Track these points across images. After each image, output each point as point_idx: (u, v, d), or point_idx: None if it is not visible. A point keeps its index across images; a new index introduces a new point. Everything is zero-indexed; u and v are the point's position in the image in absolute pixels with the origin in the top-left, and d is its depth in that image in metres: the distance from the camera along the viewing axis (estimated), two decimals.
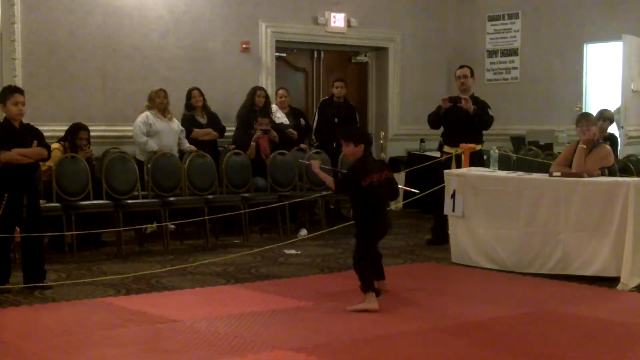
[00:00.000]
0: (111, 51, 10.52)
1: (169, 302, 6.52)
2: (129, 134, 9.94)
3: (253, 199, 9.52)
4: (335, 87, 11.28)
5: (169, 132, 9.81)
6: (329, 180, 6.68)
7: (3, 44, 9.78)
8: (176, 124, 9.95)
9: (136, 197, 9.02)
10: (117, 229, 8.63)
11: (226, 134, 10.64)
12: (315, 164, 6.83)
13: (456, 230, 8.23)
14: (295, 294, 6.68)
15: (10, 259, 7.10)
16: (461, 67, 9.49)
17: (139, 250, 8.96)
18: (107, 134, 10.31)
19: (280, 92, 11.20)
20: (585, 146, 7.90)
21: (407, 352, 5.24)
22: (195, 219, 9.16)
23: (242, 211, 9.35)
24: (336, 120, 11.07)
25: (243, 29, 11.56)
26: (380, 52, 13.15)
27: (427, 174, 9.79)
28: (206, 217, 9.01)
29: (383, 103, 13.16)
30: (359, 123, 11.41)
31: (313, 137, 11.26)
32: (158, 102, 9.75)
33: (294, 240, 9.27)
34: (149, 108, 9.79)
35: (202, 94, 10.37)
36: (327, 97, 11.57)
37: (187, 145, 9.95)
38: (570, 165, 7.97)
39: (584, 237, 7.36)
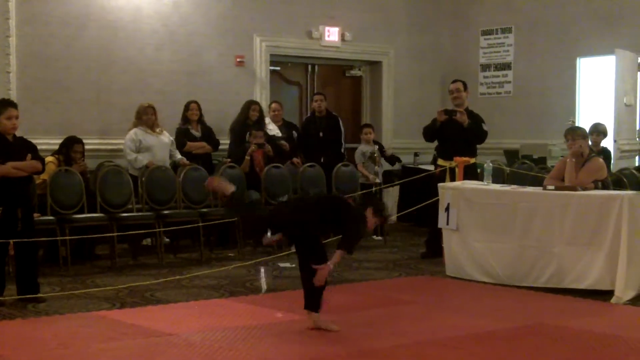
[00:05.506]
0: (106, 64, 10.53)
1: (164, 315, 6.51)
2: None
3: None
4: (315, 101, 11.35)
5: (160, 146, 9.79)
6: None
7: None
8: (166, 137, 9.94)
9: (130, 211, 9.03)
10: (110, 234, 8.58)
11: (220, 147, 10.66)
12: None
13: (450, 244, 8.24)
14: (290, 307, 6.66)
15: (5, 272, 7.08)
16: (454, 81, 9.56)
17: (133, 263, 8.96)
18: (101, 147, 10.31)
19: (273, 105, 11.20)
20: (574, 159, 7.94)
21: None
22: (189, 226, 9.12)
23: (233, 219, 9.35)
24: (321, 134, 11.11)
25: (238, 42, 11.59)
26: (374, 66, 13.19)
27: (421, 187, 9.82)
28: (200, 224, 9.01)
29: (377, 117, 13.17)
30: (343, 131, 11.38)
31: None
32: (145, 119, 9.72)
33: (288, 253, 9.26)
34: (135, 125, 9.78)
35: (199, 108, 10.40)
36: (309, 115, 11.63)
37: (178, 156, 9.96)
38: (563, 179, 8.01)
39: (578, 250, 7.36)
